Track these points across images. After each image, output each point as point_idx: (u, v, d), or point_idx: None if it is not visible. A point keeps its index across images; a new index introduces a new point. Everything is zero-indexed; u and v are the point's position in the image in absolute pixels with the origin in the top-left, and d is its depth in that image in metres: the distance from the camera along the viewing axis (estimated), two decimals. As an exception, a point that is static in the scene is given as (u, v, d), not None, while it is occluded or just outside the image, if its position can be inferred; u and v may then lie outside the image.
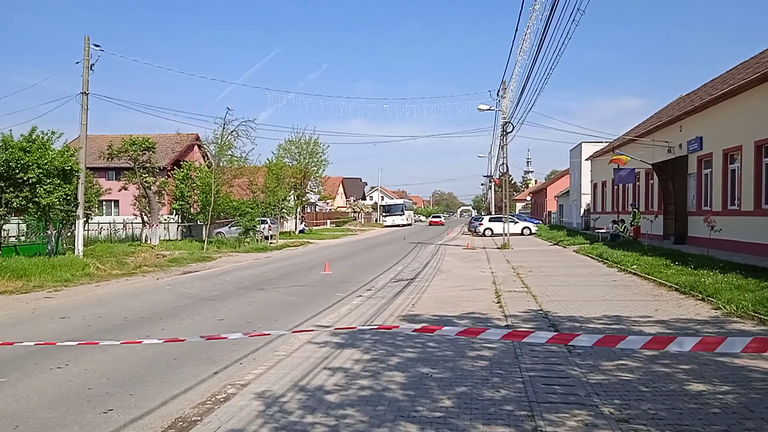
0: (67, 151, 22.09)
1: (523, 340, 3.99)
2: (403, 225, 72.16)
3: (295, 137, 50.45)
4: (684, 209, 24.87)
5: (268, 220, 39.04)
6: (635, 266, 16.81)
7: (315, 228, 61.46)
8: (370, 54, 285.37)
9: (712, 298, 11.01)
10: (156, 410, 5.90)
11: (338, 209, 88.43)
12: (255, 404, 5.71)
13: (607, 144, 38.37)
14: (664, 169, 26.29)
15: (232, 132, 33.00)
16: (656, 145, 27.18)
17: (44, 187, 19.83)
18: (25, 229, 24.19)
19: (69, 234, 24.22)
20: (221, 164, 34.26)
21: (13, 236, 23.63)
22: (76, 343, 7.91)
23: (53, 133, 21.40)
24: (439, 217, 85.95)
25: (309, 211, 66.21)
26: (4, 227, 21.30)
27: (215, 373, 7.21)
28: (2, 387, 6.80)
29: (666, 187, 26.39)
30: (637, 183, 31.87)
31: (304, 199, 53.53)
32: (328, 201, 79.52)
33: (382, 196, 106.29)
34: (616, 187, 36.24)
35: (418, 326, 4.38)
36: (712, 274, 13.45)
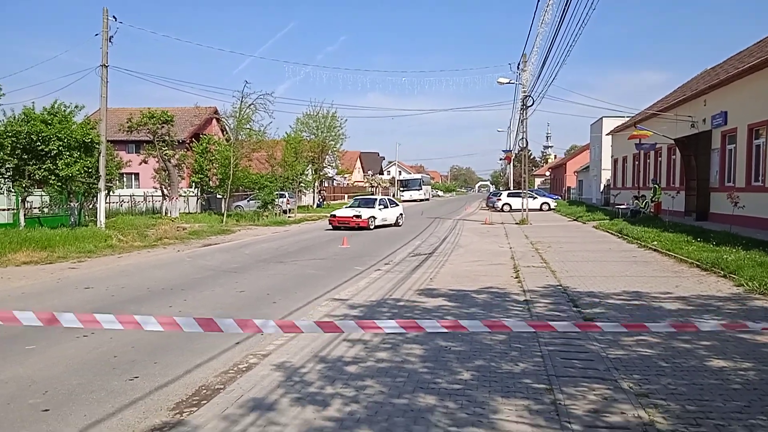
0: (87, 124, 22.28)
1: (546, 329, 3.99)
2: (421, 200, 72.09)
3: (313, 111, 50.31)
4: (706, 185, 24.51)
5: (286, 193, 39.20)
6: (656, 242, 16.66)
7: (332, 202, 61.62)
8: (388, 26, 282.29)
9: (734, 275, 10.89)
10: (180, 378, 6.03)
11: (356, 184, 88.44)
12: (276, 374, 5.80)
13: (628, 119, 37.80)
14: (686, 144, 25.85)
15: (250, 105, 33.07)
16: (679, 120, 26.70)
17: (65, 159, 20.05)
18: (48, 201, 24.58)
19: (91, 206, 24.55)
20: (240, 138, 34.35)
21: (37, 208, 24.02)
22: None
23: (76, 107, 21.58)
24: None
25: (327, 185, 66.32)
26: (27, 199, 21.64)
27: (237, 343, 7.33)
28: (31, 354, 6.98)
29: (688, 162, 25.97)
30: (659, 158, 31.42)
31: (321, 174, 53.54)
32: (345, 175, 79.54)
33: (400, 171, 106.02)
34: (637, 162, 35.79)
35: (445, 323, 4.37)
36: (734, 250, 13.31)
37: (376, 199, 30.67)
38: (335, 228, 26.73)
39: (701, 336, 6.88)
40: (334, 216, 27.71)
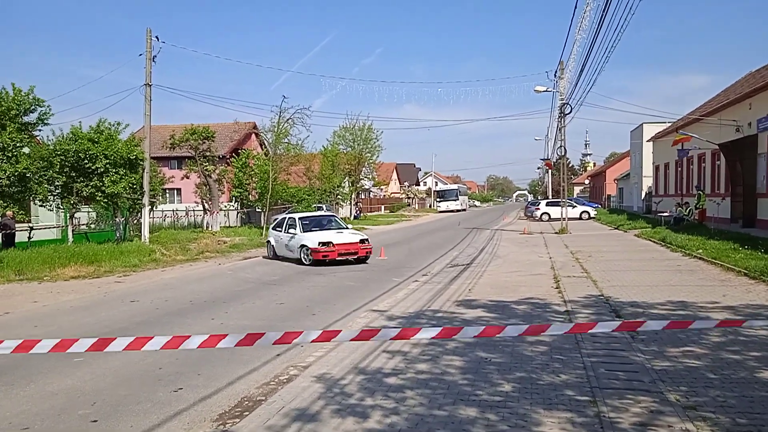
0: (132, 142, 22.91)
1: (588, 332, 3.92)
2: (458, 210, 71.78)
3: (349, 124, 50.76)
4: (753, 191, 23.77)
5: (324, 206, 39.54)
6: (701, 250, 16.22)
7: (369, 214, 61.87)
8: (424, 37, 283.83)
9: (785, 283, 10.54)
10: (223, 389, 6.13)
11: (392, 195, 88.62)
12: (316, 386, 5.85)
13: (670, 124, 36.99)
14: (731, 149, 25.16)
15: (288, 120, 33.49)
16: (723, 124, 25.99)
17: (111, 176, 20.65)
18: (95, 217, 25.33)
19: (135, 221, 25.19)
20: (278, 152, 34.83)
21: (84, 224, 24.77)
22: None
23: (119, 124, 22.22)
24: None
25: (363, 197, 66.66)
26: (75, 215, 22.33)
27: (277, 355, 7.41)
28: (80, 366, 7.19)
29: (734, 168, 25.26)
30: (703, 164, 30.65)
31: (358, 186, 53.87)
32: (382, 187, 79.80)
33: (436, 182, 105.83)
34: (679, 168, 34.97)
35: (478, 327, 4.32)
36: (784, 258, 12.87)
37: (331, 218, 20.81)
38: (330, 263, 17.47)
39: (750, 347, 6.68)
40: (330, 245, 17.61)
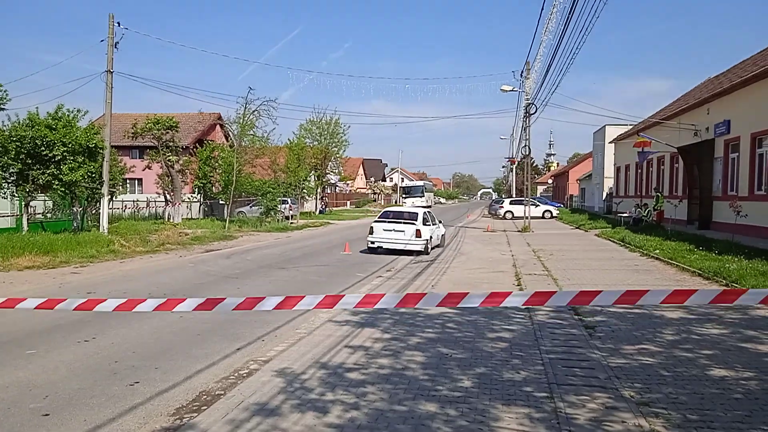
0: (91, 129, 22.31)
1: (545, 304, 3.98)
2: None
3: (316, 117, 50.46)
4: (709, 194, 24.48)
5: (288, 200, 39.22)
6: (658, 251, 16.64)
7: (335, 209, 61.67)
8: (393, 33, 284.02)
9: (736, 284, 10.88)
10: (181, 384, 6.03)
11: (358, 190, 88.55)
12: (277, 380, 5.80)
13: (631, 127, 37.82)
14: (689, 152, 25.85)
15: (253, 112, 33.08)
16: (682, 129, 26.70)
17: (69, 164, 20.08)
18: (51, 206, 24.61)
19: (94, 211, 24.57)
20: (243, 144, 34.40)
21: (40, 213, 24.06)
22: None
23: (78, 111, 21.59)
24: None
25: (329, 191, 66.39)
26: (30, 204, 21.66)
27: (238, 349, 7.33)
28: (32, 358, 6.99)
29: (691, 171, 25.95)
30: (662, 167, 31.42)
31: (324, 180, 53.61)
32: (348, 182, 79.62)
33: (402, 178, 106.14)
34: (639, 170, 35.79)
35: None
36: (736, 259, 13.29)
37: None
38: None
39: (703, 345, 6.88)
40: None
